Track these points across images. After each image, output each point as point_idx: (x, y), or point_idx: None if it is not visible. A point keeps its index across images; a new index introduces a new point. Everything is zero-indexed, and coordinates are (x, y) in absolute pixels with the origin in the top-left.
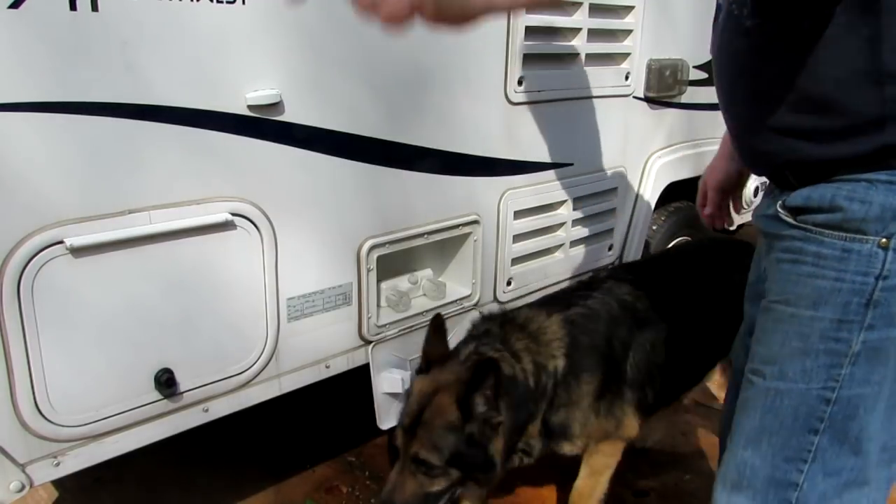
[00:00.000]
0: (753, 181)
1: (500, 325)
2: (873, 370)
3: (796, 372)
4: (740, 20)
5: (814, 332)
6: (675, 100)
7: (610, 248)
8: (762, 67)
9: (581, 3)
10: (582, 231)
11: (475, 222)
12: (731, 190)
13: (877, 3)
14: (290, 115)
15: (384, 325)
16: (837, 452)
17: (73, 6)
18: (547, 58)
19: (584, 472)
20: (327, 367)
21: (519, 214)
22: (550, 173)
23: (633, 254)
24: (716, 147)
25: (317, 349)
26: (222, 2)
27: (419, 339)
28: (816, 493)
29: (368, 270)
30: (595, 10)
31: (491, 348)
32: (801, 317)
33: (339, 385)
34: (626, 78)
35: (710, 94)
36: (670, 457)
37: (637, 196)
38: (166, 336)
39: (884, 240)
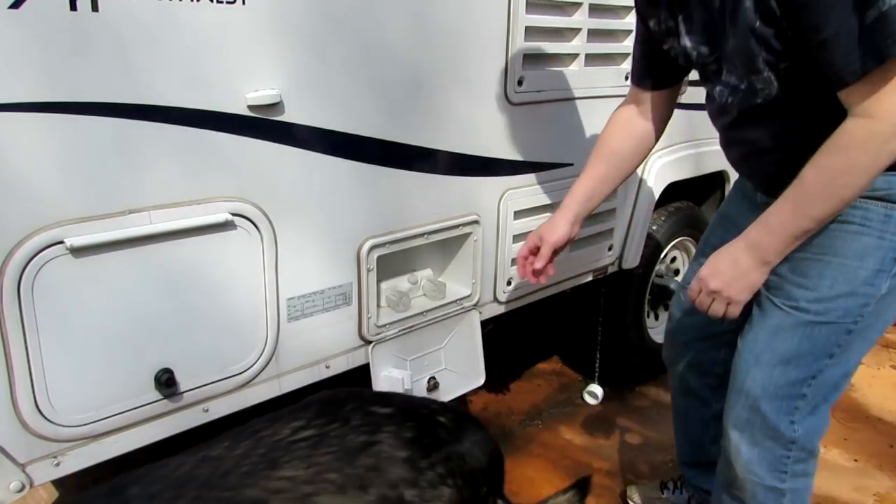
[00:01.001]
0: None
1: None
2: (888, 307)
3: (838, 309)
4: (765, 103)
5: (858, 279)
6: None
7: (610, 249)
8: (796, 142)
9: (581, 3)
10: (582, 231)
11: (475, 222)
12: (560, 250)
13: None
14: (290, 115)
15: (384, 325)
16: (838, 364)
17: (73, 6)
18: (547, 58)
19: None
20: (327, 367)
21: (519, 214)
22: (550, 173)
23: (633, 254)
24: (716, 147)
25: (317, 349)
26: (222, 2)
27: (419, 339)
28: (817, 398)
29: (368, 270)
30: (595, 10)
31: None
32: (849, 266)
33: (339, 385)
34: (626, 78)
35: None
36: (670, 456)
37: (637, 196)
38: (166, 336)
39: None
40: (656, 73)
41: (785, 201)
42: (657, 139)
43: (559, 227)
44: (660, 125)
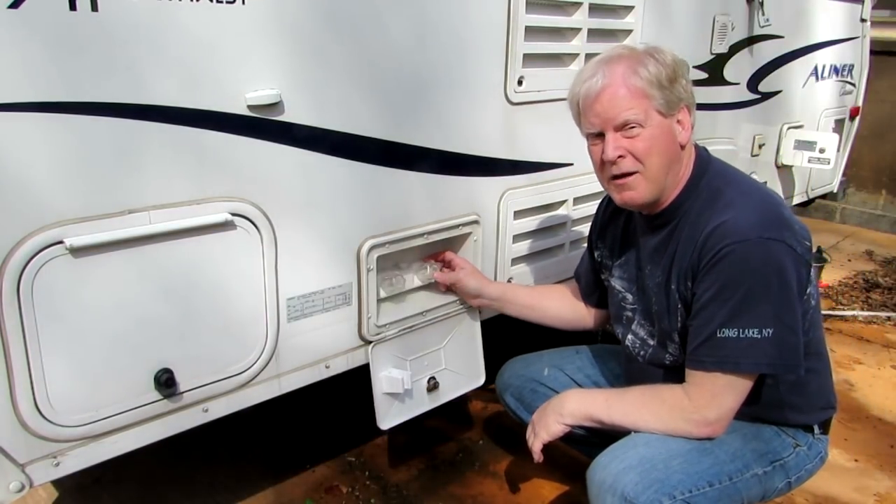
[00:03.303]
0: None
1: None
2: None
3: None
4: (672, 364)
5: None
6: None
7: None
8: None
9: (581, 3)
10: (582, 231)
11: (475, 222)
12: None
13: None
14: (290, 115)
15: (384, 325)
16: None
17: (72, 6)
18: (547, 58)
19: None
20: (327, 367)
21: (519, 214)
22: (550, 173)
23: None
24: (716, 146)
25: (317, 349)
26: (222, 2)
27: (419, 339)
28: None
29: (368, 270)
30: (595, 10)
31: None
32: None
33: (339, 385)
34: None
35: (709, 94)
36: None
37: None
38: (166, 336)
39: None
40: (598, 294)
41: (607, 393)
42: (566, 328)
43: (477, 283)
44: (597, 325)
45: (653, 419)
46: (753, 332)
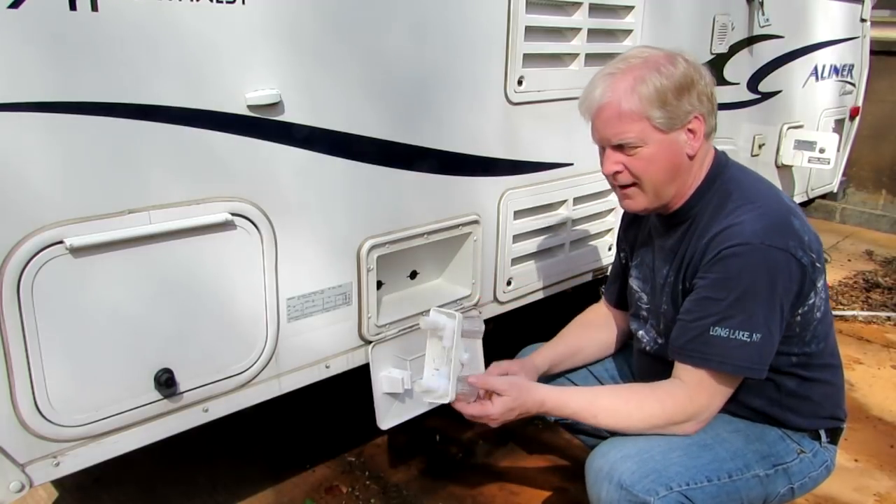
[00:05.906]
0: None
1: None
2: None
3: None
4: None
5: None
6: None
7: (610, 248)
8: None
9: (581, 3)
10: (582, 231)
11: (475, 222)
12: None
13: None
14: (290, 115)
15: (384, 325)
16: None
17: (72, 6)
18: (547, 58)
19: None
20: (327, 367)
21: (519, 214)
22: (550, 173)
23: None
24: (721, 146)
25: (317, 349)
26: (222, 2)
27: (419, 339)
28: None
29: (368, 270)
30: (595, 10)
31: None
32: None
33: (339, 385)
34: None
35: None
36: None
37: None
38: (166, 336)
39: None
40: (624, 297)
41: (588, 393)
42: (616, 349)
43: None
44: (621, 339)
45: (638, 419)
46: (744, 335)
